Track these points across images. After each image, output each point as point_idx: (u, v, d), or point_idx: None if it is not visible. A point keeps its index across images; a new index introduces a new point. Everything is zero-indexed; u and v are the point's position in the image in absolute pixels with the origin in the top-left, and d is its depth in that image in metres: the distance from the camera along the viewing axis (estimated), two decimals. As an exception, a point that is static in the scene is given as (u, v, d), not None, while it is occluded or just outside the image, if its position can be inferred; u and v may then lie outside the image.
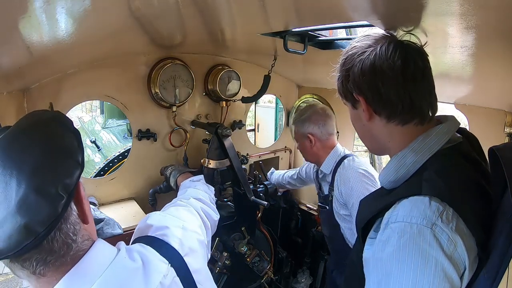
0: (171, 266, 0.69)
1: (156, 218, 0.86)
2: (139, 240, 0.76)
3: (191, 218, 0.97)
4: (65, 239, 0.57)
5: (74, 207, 0.60)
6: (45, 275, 0.56)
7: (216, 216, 1.21)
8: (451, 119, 0.80)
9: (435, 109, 0.81)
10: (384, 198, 0.80)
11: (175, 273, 0.69)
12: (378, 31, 0.89)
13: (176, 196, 1.30)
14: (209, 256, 0.96)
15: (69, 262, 0.58)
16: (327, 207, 1.72)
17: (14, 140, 0.56)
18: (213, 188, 1.44)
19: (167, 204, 1.10)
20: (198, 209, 1.08)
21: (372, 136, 0.87)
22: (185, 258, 0.74)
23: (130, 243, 0.76)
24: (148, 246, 0.71)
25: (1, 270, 3.74)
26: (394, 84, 0.77)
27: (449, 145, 0.76)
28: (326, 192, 1.75)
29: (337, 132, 2.21)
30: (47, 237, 0.53)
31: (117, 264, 0.62)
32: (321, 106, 1.80)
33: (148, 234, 0.78)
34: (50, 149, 0.57)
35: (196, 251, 0.81)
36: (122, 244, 0.69)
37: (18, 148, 0.55)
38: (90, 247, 0.61)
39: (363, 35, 0.86)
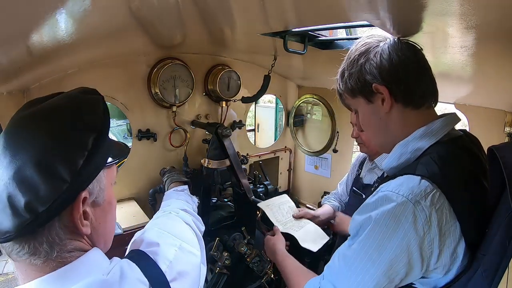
0: None
1: (152, 233, 0.82)
2: (131, 253, 0.74)
3: (189, 235, 0.91)
4: (52, 239, 0.58)
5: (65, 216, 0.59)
6: (35, 265, 0.58)
7: (202, 226, 1.16)
8: (452, 114, 0.87)
9: (437, 96, 0.88)
10: (384, 180, 0.86)
11: None
12: (378, 31, 0.89)
13: None
14: (204, 273, 0.90)
15: (53, 262, 0.59)
16: (363, 196, 1.64)
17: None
18: (196, 199, 1.41)
19: (157, 215, 1.05)
20: (189, 222, 1.04)
21: (387, 129, 0.88)
22: (171, 284, 0.69)
23: (125, 256, 0.74)
24: (134, 264, 0.67)
25: (1, 270, 3.75)
26: (412, 70, 0.83)
27: (449, 137, 0.82)
28: (369, 181, 1.65)
29: (337, 132, 2.21)
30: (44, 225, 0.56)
31: (95, 278, 0.60)
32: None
33: (140, 248, 0.74)
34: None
35: (188, 274, 0.76)
36: (114, 259, 0.67)
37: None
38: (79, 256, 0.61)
39: (366, 36, 0.90)
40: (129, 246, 0.80)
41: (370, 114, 0.90)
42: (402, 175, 0.77)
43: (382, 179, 0.91)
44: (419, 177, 0.73)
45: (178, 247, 0.78)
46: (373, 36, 0.88)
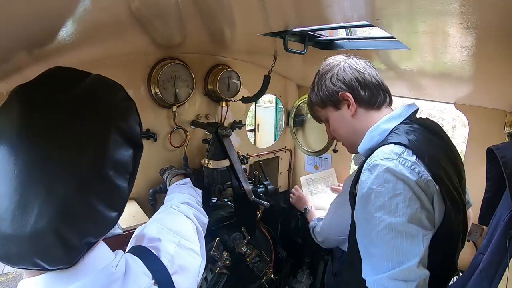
0: (155, 282, 0.67)
1: (152, 229, 0.83)
2: (133, 249, 0.75)
3: (188, 232, 0.92)
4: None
5: None
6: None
7: (205, 219, 1.15)
8: (411, 102, 1.05)
9: (391, 98, 1.10)
10: (362, 162, 0.97)
11: None
12: (378, 31, 0.90)
13: None
14: (203, 266, 0.90)
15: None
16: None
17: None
18: (200, 191, 1.40)
19: (159, 210, 1.05)
20: (190, 215, 1.03)
21: (355, 131, 1.05)
22: (172, 276, 0.71)
23: (127, 251, 0.75)
24: (137, 258, 0.69)
25: (1, 270, 3.75)
26: (368, 79, 1.03)
27: (411, 120, 0.98)
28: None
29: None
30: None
31: (102, 272, 0.61)
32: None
33: (142, 244, 0.76)
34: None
35: (188, 270, 0.78)
36: (118, 252, 0.68)
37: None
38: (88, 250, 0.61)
39: (330, 58, 1.14)
40: (130, 241, 0.81)
41: (339, 121, 1.09)
42: (375, 149, 0.89)
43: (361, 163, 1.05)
44: (392, 144, 0.87)
45: (177, 244, 0.80)
46: (335, 57, 1.12)
